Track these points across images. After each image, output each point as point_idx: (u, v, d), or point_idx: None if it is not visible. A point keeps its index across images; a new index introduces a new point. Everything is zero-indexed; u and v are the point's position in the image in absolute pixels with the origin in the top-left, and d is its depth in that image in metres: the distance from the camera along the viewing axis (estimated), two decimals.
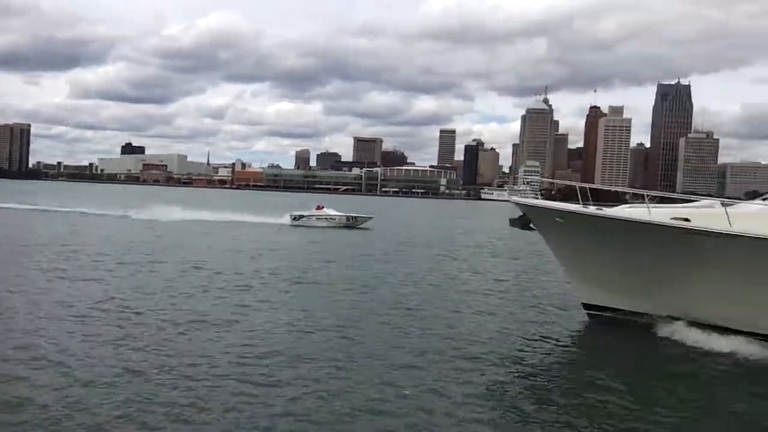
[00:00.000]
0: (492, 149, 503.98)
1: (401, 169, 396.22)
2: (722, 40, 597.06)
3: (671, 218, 15.47)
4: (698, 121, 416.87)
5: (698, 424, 10.69)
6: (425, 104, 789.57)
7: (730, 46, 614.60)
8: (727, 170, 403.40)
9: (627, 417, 10.52)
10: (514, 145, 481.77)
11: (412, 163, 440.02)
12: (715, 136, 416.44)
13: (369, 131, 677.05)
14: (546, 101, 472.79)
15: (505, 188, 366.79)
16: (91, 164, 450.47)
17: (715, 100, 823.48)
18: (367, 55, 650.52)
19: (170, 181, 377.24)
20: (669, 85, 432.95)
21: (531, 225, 18.16)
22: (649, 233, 15.53)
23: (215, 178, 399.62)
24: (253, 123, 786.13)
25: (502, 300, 21.07)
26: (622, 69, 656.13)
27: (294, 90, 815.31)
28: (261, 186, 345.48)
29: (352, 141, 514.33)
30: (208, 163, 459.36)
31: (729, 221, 14.47)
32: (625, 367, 13.70)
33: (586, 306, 17.85)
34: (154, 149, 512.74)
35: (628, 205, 17.07)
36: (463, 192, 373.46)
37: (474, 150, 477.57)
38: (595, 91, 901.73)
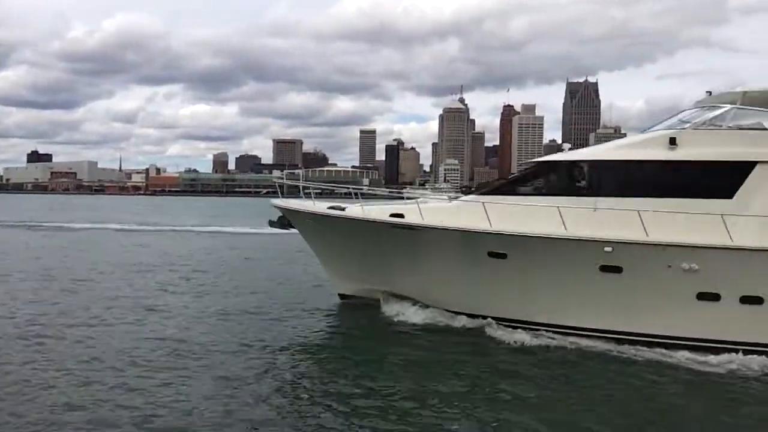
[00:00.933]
0: (412, 148, 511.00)
1: (323, 170, 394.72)
2: (626, 39, 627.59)
3: (390, 214, 16.92)
4: (606, 116, 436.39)
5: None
6: (344, 104, 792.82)
7: (633, 44, 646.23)
8: None
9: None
10: (434, 144, 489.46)
11: (334, 164, 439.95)
12: (622, 131, 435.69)
13: (289, 132, 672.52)
14: (462, 100, 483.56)
15: (427, 187, 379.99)
16: None
17: (622, 96, 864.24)
18: (283, 54, 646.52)
19: (80, 189, 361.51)
20: (577, 82, 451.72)
21: (291, 225, 19.49)
22: (368, 229, 17.11)
23: (129, 184, 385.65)
24: (167, 126, 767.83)
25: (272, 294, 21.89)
26: (533, 68, 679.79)
27: (208, 91, 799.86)
28: (178, 191, 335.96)
29: (271, 143, 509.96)
30: (120, 170, 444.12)
31: (421, 215, 16.21)
32: (373, 347, 15.29)
33: (341, 296, 19.56)
34: (63, 156, 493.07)
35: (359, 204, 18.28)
36: (386, 191, 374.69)
37: (395, 149, 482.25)
38: (508, 90, 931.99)
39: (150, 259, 32.14)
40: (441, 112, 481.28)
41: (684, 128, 15.79)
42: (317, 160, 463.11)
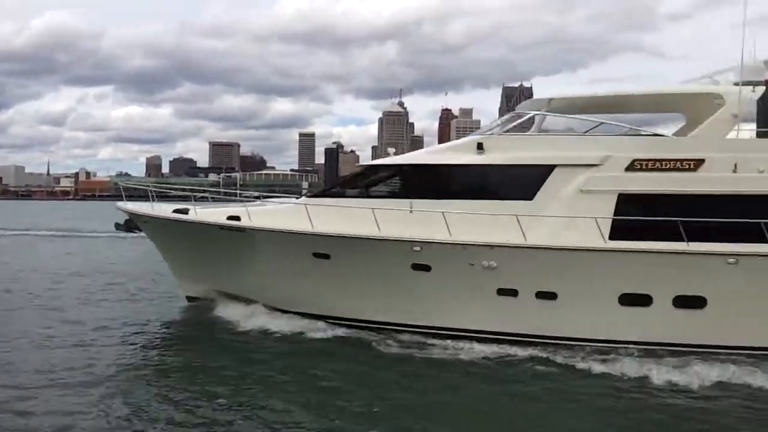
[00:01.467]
0: (352, 151, 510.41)
1: (261, 174, 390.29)
2: (560, 44, 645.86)
3: (227, 217, 17.35)
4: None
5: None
6: (283, 107, 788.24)
7: (567, 50, 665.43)
8: None
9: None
10: (373, 147, 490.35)
11: (272, 168, 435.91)
12: None
13: (225, 135, 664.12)
14: (401, 104, 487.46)
15: None
16: None
17: None
18: (218, 56, 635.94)
19: (6, 194, 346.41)
20: (513, 87, 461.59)
21: (137, 227, 19.67)
22: (204, 231, 17.47)
23: (57, 189, 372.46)
24: (98, 129, 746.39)
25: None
26: (470, 72, 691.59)
27: (141, 93, 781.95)
28: (109, 196, 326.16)
29: (207, 146, 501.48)
30: (48, 174, 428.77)
31: (249, 218, 16.80)
32: (204, 352, 15.36)
33: (188, 298, 19.87)
34: None
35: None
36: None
37: (334, 152, 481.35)
38: (446, 93, 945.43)
39: (73, 266, 31.29)
40: (380, 115, 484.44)
41: (492, 133, 16.69)
42: (255, 163, 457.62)
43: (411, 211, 15.85)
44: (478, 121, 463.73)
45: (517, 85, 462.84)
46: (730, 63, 16.00)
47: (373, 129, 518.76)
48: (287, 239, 16.35)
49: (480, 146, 16.15)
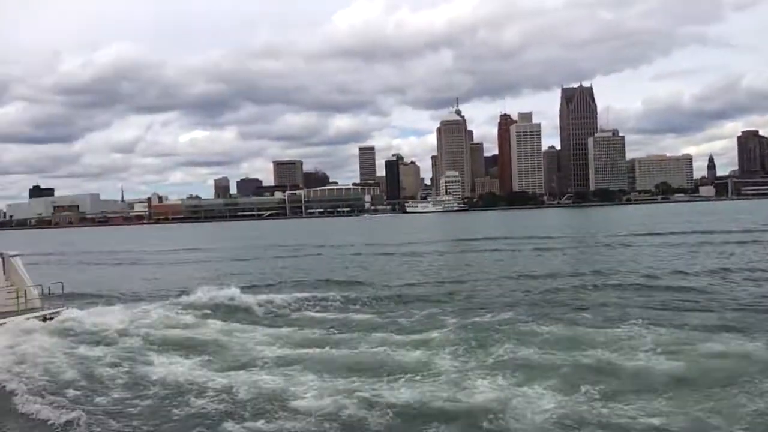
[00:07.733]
0: (412, 162, 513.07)
1: (324, 190, 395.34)
2: (619, 40, 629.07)
3: None
4: (603, 120, 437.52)
5: None
6: (341, 122, 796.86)
7: (626, 46, 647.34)
8: (636, 165, 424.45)
9: None
10: (433, 157, 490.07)
11: (335, 183, 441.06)
12: (621, 134, 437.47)
13: (288, 154, 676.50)
14: (458, 112, 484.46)
15: (429, 200, 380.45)
16: None
17: (619, 99, 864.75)
18: (276, 76, 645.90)
19: (84, 221, 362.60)
20: (572, 88, 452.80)
21: None
22: None
23: (132, 214, 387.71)
24: (167, 154, 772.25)
25: None
26: (528, 75, 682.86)
27: (205, 117, 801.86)
28: (181, 218, 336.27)
29: (271, 165, 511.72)
30: (122, 200, 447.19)
31: None
32: None
33: None
34: (65, 190, 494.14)
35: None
36: (388, 207, 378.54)
37: (394, 165, 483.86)
38: (504, 98, 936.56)
39: None
40: (438, 125, 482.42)
41: None
42: (318, 179, 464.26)
43: None
44: (539, 125, 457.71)
45: (576, 85, 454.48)
46: None
47: (432, 139, 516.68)
48: None
49: None
